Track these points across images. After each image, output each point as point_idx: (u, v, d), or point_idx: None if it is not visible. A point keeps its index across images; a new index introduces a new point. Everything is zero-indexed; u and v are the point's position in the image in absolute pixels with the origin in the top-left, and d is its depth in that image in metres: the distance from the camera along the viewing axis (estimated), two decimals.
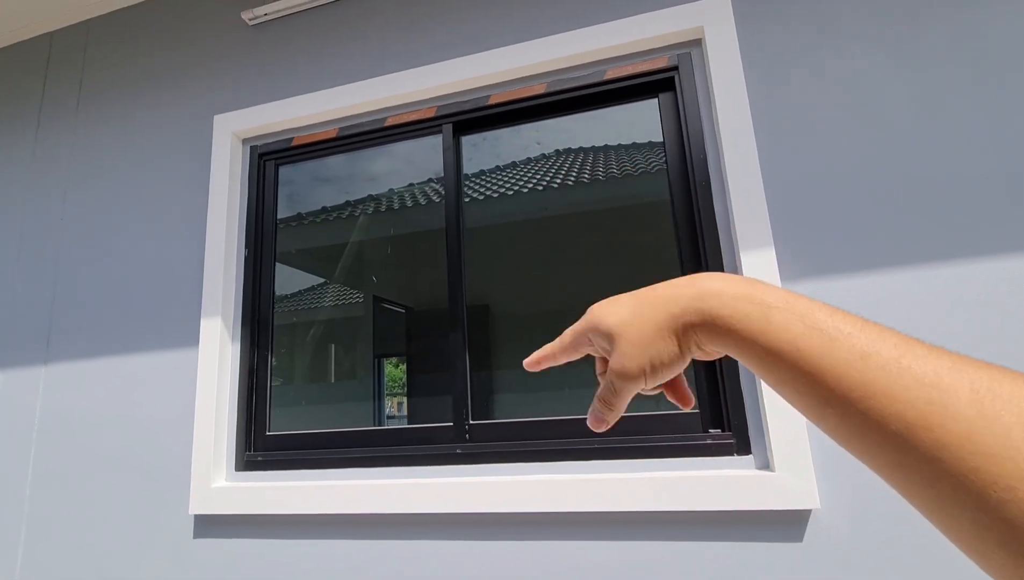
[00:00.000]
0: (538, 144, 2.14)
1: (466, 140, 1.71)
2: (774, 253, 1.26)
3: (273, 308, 1.73)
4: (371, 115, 1.74)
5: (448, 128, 1.67)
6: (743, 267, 1.27)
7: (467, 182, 1.80)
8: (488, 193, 2.12)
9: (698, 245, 1.39)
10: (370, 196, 2.29)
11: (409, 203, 2.33)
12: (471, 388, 1.54)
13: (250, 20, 1.88)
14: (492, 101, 1.63)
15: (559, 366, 0.45)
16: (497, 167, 2.12)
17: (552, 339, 0.43)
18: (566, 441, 1.38)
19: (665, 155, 1.48)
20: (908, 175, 1.23)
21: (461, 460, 1.45)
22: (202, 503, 1.58)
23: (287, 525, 1.54)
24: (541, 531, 1.33)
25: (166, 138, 1.94)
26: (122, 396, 1.78)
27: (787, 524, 1.17)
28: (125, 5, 2.15)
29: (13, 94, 2.26)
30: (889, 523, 1.11)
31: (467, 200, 1.78)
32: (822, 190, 1.28)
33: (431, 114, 1.68)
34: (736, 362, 1.28)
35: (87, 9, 2.17)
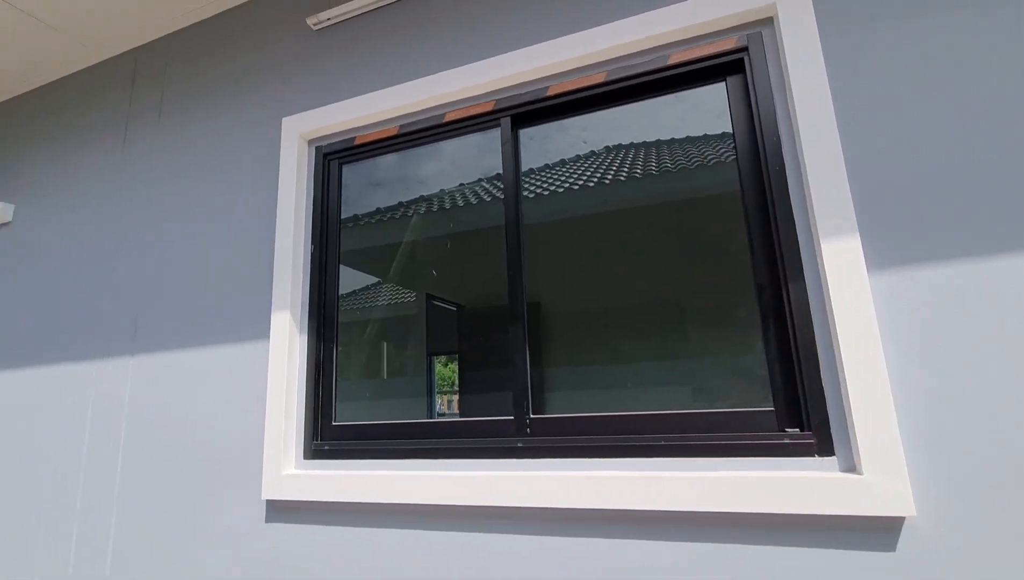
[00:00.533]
0: (584, 142, 2.10)
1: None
2: (859, 240, 1.18)
3: (338, 303, 1.79)
4: (430, 112, 1.76)
5: (506, 121, 1.66)
6: (823, 256, 1.20)
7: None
8: (538, 190, 2.10)
9: (772, 235, 1.31)
10: (421, 197, 2.32)
11: (460, 202, 2.35)
12: (531, 382, 1.53)
13: (314, 25, 1.95)
14: (551, 92, 1.61)
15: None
16: (546, 165, 2.10)
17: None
18: (630, 437, 1.34)
19: (734, 141, 1.41)
20: (1007, 153, 1.12)
21: (522, 454, 1.44)
22: (274, 489, 1.65)
23: (351, 512, 1.58)
24: (603, 528, 1.30)
25: (238, 142, 2.04)
26: (200, 387, 1.89)
27: (877, 532, 1.08)
28: (201, 19, 2.29)
29: (103, 107, 2.45)
30: (995, 533, 1.01)
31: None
32: (910, 172, 1.18)
33: (489, 108, 1.68)
34: (816, 352, 1.21)
35: (168, 25, 2.32)
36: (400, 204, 2.40)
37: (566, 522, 1.34)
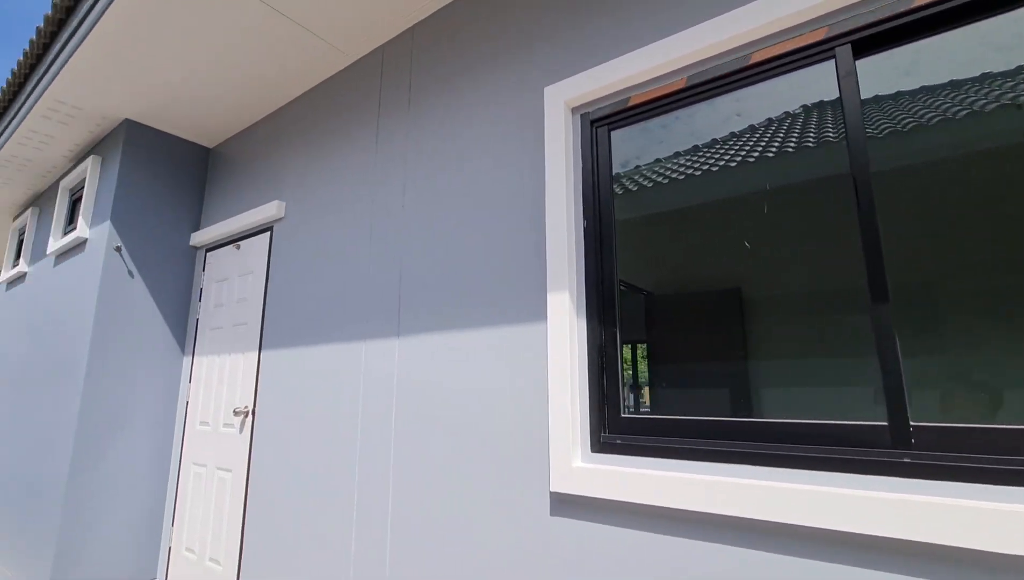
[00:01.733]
0: (738, 115, 1.60)
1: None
2: None
3: (617, 281, 1.62)
4: (728, 55, 1.49)
5: (844, 50, 1.32)
6: None
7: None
8: (722, 162, 1.68)
9: None
10: (695, 148, 2.01)
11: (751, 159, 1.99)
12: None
13: None
14: (917, 3, 1.23)
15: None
16: (714, 140, 1.66)
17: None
18: None
19: None
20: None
21: (906, 472, 1.11)
22: (562, 481, 1.54)
23: (645, 516, 1.40)
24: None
25: (496, 119, 1.99)
26: (468, 368, 1.87)
27: None
28: (444, 4, 2.30)
29: (356, 105, 2.62)
30: None
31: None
32: None
33: (819, 37, 1.35)
34: None
35: (413, 16, 2.39)
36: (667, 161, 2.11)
37: (973, 567, 0.98)
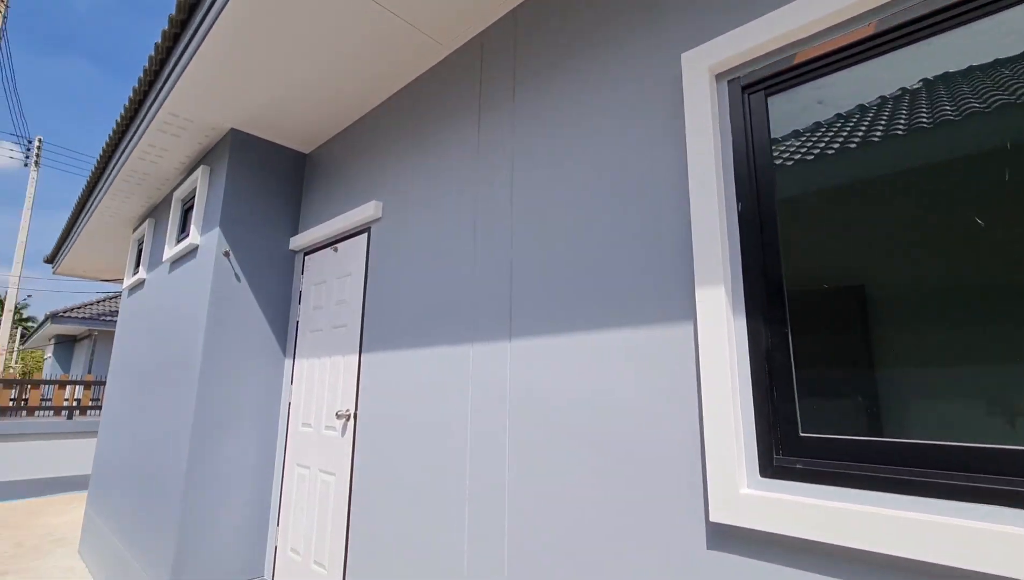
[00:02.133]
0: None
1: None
2: None
3: (784, 272, 1.35)
4: None
5: None
6: None
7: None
8: (848, 141, 1.33)
9: None
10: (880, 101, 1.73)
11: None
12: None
13: None
14: None
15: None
16: (861, 106, 1.30)
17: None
18: None
19: None
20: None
21: None
22: (724, 510, 1.30)
23: (836, 559, 1.13)
24: None
25: (617, 98, 1.79)
26: (594, 374, 1.68)
27: None
28: None
29: (455, 98, 2.51)
30: None
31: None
32: None
33: None
34: None
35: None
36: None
37: None
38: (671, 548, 1.42)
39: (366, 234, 2.94)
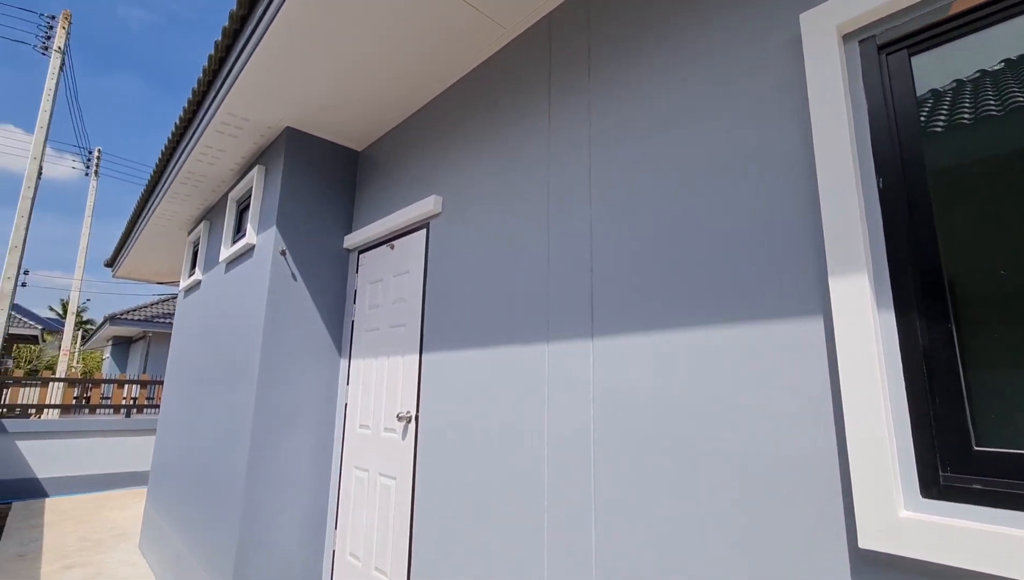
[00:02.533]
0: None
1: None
2: None
3: (942, 258, 1.16)
4: None
5: None
6: None
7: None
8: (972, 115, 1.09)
9: None
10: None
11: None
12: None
13: None
14: None
15: None
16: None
17: None
18: None
19: None
20: None
21: None
22: (878, 536, 1.11)
23: None
24: None
25: (719, 68, 1.61)
26: (694, 376, 1.51)
27: None
28: None
29: (522, 83, 2.38)
30: None
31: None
32: None
33: None
34: None
35: None
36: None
37: None
38: (804, 570, 1.23)
39: (424, 230, 2.85)
